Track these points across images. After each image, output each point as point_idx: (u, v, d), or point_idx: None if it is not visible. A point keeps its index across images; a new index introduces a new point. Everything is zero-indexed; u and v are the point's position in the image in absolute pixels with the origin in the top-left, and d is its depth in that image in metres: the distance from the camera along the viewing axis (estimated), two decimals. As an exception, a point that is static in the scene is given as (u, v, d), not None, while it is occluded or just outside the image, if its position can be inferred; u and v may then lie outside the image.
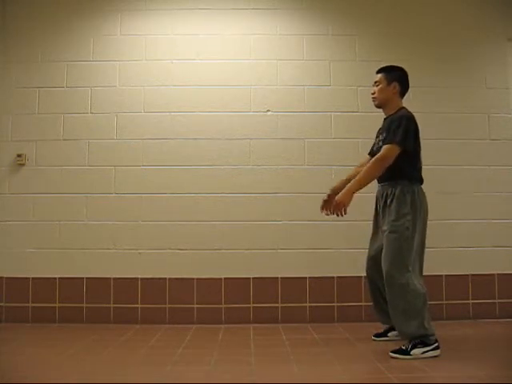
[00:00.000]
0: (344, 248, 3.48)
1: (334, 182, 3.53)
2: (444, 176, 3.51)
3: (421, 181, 2.71)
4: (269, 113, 3.63)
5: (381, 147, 2.68)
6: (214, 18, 3.69)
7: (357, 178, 2.64)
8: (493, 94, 3.67)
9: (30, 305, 3.47)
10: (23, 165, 3.57)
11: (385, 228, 2.64)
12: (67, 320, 3.43)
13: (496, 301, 3.50)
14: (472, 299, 3.50)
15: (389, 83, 2.75)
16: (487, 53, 3.70)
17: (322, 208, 2.89)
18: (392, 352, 2.51)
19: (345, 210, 2.60)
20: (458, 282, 3.48)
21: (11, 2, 3.68)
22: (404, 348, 2.51)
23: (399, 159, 2.61)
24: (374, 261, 2.78)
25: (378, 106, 2.82)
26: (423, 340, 2.50)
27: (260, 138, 3.60)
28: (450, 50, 3.69)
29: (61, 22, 3.68)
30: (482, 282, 3.51)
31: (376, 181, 2.77)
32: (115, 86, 3.63)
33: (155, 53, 3.67)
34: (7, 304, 3.47)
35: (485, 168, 3.61)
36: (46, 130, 3.59)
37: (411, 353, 2.48)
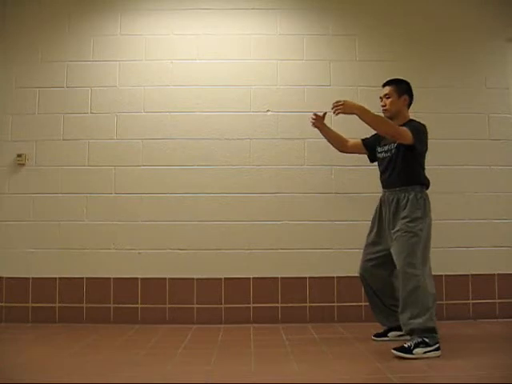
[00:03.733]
0: (344, 248, 3.48)
1: (334, 182, 3.57)
2: (444, 176, 3.51)
3: (428, 186, 2.79)
4: (269, 113, 3.63)
5: (390, 158, 2.78)
6: (214, 18, 3.69)
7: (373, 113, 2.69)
8: (493, 94, 3.67)
9: (30, 305, 3.47)
10: (23, 165, 3.57)
11: (397, 229, 2.68)
12: (67, 320, 3.43)
13: (496, 301, 3.50)
14: (472, 299, 3.50)
15: (399, 96, 2.82)
16: (487, 53, 3.70)
17: (313, 118, 2.98)
18: (394, 349, 2.51)
19: (339, 110, 2.65)
20: (457, 282, 3.48)
21: (11, 2, 3.68)
22: (407, 346, 2.50)
23: (414, 164, 2.74)
24: (372, 263, 2.83)
25: (388, 118, 2.85)
26: (426, 340, 2.50)
27: (260, 138, 3.60)
28: (450, 51, 3.69)
29: (61, 23, 3.68)
30: (481, 282, 3.50)
31: (384, 186, 2.85)
32: (115, 86, 3.63)
33: (155, 53, 3.66)
34: (7, 304, 3.47)
35: (485, 168, 3.61)
36: (46, 130, 3.59)
37: (413, 351, 2.48)
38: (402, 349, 2.51)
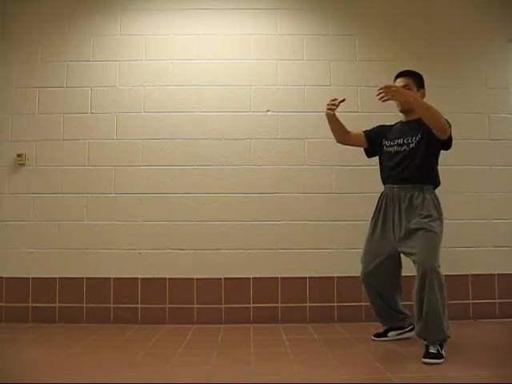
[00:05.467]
0: (344, 248, 3.48)
1: (334, 182, 3.57)
2: (444, 176, 3.49)
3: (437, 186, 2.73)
4: (269, 113, 3.63)
5: (407, 152, 2.65)
6: (214, 18, 3.69)
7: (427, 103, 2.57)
8: (493, 93, 3.67)
9: (30, 305, 3.47)
10: (23, 165, 3.57)
11: (417, 227, 2.54)
12: (67, 320, 3.43)
13: (496, 301, 3.50)
14: (472, 299, 3.50)
15: (418, 89, 2.74)
16: (487, 53, 3.70)
17: (333, 104, 2.75)
18: (425, 358, 2.38)
19: (389, 96, 2.49)
20: (458, 282, 3.48)
21: (11, 2, 3.68)
22: (436, 351, 2.40)
23: (432, 161, 2.68)
24: (377, 269, 2.72)
25: (404, 111, 2.75)
26: (442, 342, 2.46)
27: (260, 138, 3.60)
28: (450, 51, 3.69)
29: (61, 22, 3.68)
30: (481, 282, 3.50)
31: (393, 182, 2.72)
32: (115, 86, 3.63)
33: (155, 53, 3.67)
34: (7, 304, 3.47)
35: (485, 168, 3.61)
36: (45, 130, 3.59)
37: (443, 353, 2.42)
38: (432, 355, 2.39)
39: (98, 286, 3.47)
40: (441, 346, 2.44)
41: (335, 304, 3.48)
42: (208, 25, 3.69)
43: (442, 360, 2.38)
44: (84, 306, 3.46)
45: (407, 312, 2.89)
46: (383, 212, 2.75)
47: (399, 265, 2.79)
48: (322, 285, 3.48)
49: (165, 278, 3.48)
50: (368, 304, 2.99)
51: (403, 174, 2.67)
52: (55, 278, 3.48)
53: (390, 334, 2.89)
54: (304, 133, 3.59)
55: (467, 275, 3.51)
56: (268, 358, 2.55)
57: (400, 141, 2.71)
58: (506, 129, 3.65)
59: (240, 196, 3.55)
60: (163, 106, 3.62)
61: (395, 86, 2.53)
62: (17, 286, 3.48)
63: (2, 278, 3.50)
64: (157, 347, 2.79)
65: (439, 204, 2.65)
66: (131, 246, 3.51)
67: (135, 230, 3.52)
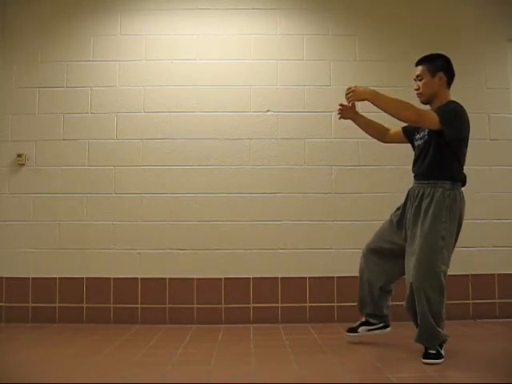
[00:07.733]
0: (344, 248, 3.48)
1: (334, 182, 3.56)
2: (444, 176, 3.50)
3: (463, 183, 2.54)
4: (269, 113, 3.63)
5: (422, 146, 2.53)
6: (214, 18, 3.69)
7: (388, 95, 2.42)
8: (493, 94, 3.67)
9: (30, 305, 3.47)
10: (23, 165, 3.57)
11: (418, 233, 2.44)
12: (67, 320, 3.43)
13: (496, 301, 3.50)
14: (472, 299, 3.50)
15: (433, 75, 2.52)
16: (487, 53, 3.70)
17: (340, 109, 2.77)
18: (425, 358, 2.37)
19: (350, 98, 2.47)
20: (458, 282, 3.48)
21: (11, 2, 3.68)
22: (435, 352, 2.38)
23: (446, 155, 2.45)
24: (385, 250, 2.64)
25: (424, 102, 2.56)
26: (442, 342, 2.45)
27: (260, 138, 3.60)
28: (450, 50, 3.64)
29: (61, 22, 3.68)
30: (481, 282, 3.50)
31: (414, 178, 2.63)
32: (115, 86, 3.63)
33: (155, 53, 3.67)
34: (7, 304, 3.47)
35: (485, 168, 3.61)
36: (45, 130, 3.59)
37: (443, 353, 2.40)
38: (433, 355, 2.37)
39: (98, 285, 3.47)
40: (440, 346, 2.44)
41: (335, 304, 3.48)
42: (208, 25, 3.69)
43: (441, 360, 2.38)
44: (84, 305, 3.46)
45: (385, 312, 2.76)
46: (403, 207, 2.65)
47: (398, 266, 2.63)
48: (322, 285, 3.48)
49: (165, 278, 3.48)
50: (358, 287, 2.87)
51: (420, 169, 2.57)
52: (55, 278, 3.49)
53: (360, 329, 2.80)
54: (304, 133, 3.59)
55: (467, 275, 3.51)
56: (268, 358, 2.55)
57: (421, 134, 2.59)
58: (506, 129, 3.65)
59: (240, 196, 3.55)
60: (163, 106, 3.62)
61: (353, 87, 2.46)
62: (17, 285, 3.48)
63: (2, 278, 3.50)
64: (157, 347, 2.79)
65: (453, 203, 2.43)
66: (131, 246, 3.51)
67: (135, 230, 3.52)
